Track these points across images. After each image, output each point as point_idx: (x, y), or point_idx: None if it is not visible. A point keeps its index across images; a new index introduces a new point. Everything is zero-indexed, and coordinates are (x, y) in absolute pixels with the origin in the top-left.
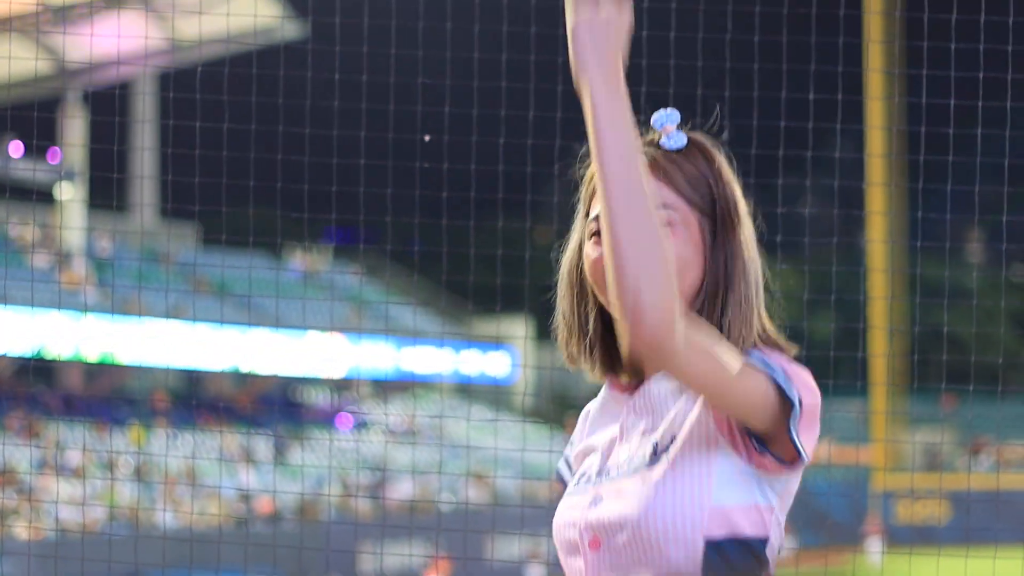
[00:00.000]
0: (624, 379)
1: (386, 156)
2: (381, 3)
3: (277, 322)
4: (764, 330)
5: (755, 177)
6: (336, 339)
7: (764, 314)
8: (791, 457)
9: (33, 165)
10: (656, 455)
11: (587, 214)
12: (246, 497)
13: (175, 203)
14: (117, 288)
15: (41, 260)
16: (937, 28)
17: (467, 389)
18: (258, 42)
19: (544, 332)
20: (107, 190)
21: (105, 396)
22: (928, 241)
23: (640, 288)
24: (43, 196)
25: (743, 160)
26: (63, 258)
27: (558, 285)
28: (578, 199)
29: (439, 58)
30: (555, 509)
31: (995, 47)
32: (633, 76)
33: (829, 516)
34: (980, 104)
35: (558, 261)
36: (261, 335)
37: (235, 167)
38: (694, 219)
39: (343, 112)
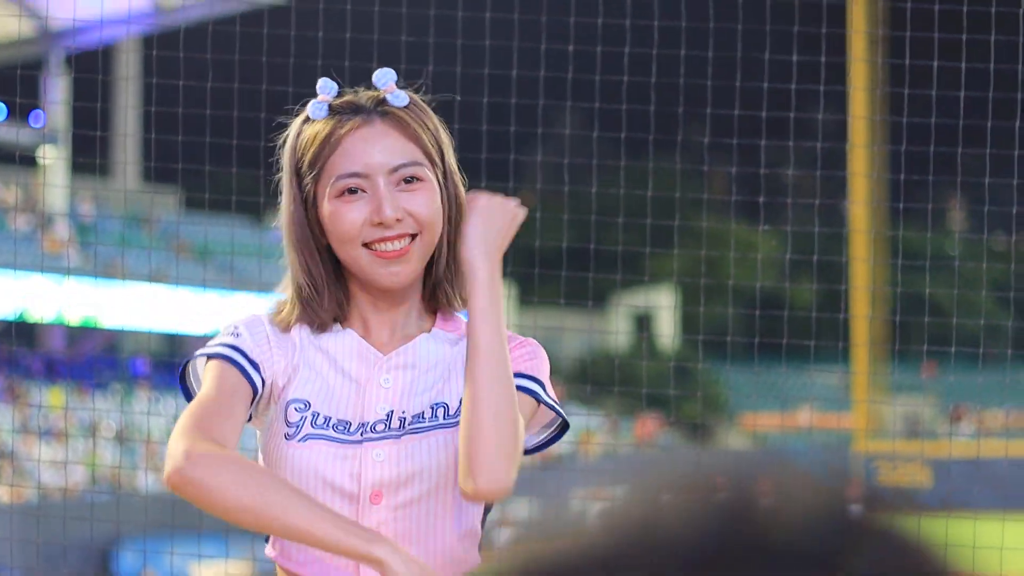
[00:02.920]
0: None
1: None
2: None
3: (260, 286)
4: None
5: (737, 138)
6: None
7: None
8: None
9: (15, 127)
10: (452, 416)
11: (311, 173)
12: None
13: (158, 163)
14: (100, 251)
15: (23, 222)
16: None
17: None
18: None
19: (527, 295)
20: (90, 151)
21: (87, 359)
22: (910, 203)
23: (499, 467)
24: (25, 159)
25: (728, 121)
26: (45, 221)
27: (292, 246)
28: (280, 166)
29: (423, 16)
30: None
31: (978, 9)
32: (616, 36)
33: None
34: (963, 66)
35: (540, 223)
36: (244, 299)
37: (218, 126)
38: (433, 175)
39: (325, 72)
